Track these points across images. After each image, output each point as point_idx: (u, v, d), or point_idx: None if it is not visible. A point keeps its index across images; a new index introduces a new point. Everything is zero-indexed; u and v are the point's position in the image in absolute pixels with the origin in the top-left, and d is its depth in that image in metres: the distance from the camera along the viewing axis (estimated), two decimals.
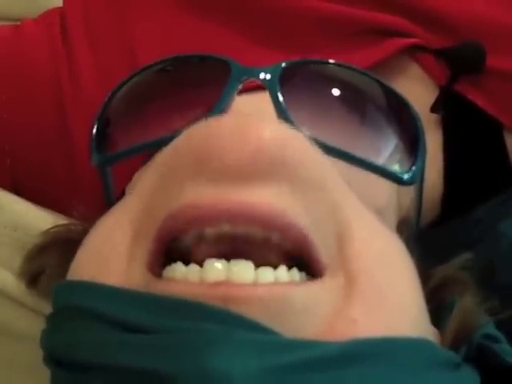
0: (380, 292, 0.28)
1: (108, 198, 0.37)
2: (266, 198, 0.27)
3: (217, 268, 0.27)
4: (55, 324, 0.30)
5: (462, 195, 0.44)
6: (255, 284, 0.27)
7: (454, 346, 0.31)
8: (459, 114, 0.43)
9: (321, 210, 0.28)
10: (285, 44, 0.43)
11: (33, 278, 0.39)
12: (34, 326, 0.40)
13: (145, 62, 0.40)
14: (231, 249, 0.27)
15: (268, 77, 0.33)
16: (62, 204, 0.44)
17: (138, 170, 0.38)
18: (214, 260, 0.27)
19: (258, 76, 0.33)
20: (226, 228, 0.27)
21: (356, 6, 0.42)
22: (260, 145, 0.27)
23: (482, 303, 0.34)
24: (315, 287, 0.27)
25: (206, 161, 0.27)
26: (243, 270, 0.27)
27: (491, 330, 0.33)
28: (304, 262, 0.28)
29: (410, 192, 0.37)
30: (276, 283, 0.27)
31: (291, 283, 0.27)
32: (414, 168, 0.33)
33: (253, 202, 0.27)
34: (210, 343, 0.24)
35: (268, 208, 0.27)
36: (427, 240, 0.41)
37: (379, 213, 0.33)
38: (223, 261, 0.27)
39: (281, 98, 0.32)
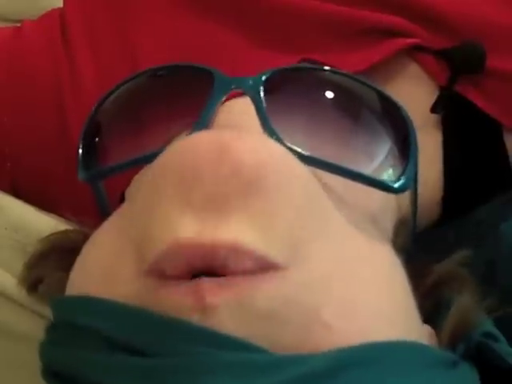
0: (350, 295, 0.28)
1: (102, 211, 0.36)
2: (233, 234, 0.27)
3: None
4: (54, 338, 0.30)
5: (462, 196, 0.43)
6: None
7: (453, 344, 0.31)
8: (459, 115, 0.43)
9: (285, 227, 0.28)
10: (284, 44, 0.43)
11: (32, 285, 0.39)
12: (34, 328, 0.40)
13: (146, 63, 0.40)
14: None
15: (251, 86, 0.33)
16: (62, 207, 0.44)
17: (136, 175, 0.38)
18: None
19: (242, 86, 0.33)
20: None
21: (356, 7, 0.42)
22: (236, 167, 0.27)
23: (481, 300, 0.34)
24: (281, 275, 0.27)
25: (187, 190, 0.27)
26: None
27: (491, 328, 0.33)
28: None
29: (409, 192, 0.37)
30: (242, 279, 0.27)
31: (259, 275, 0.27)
32: (404, 176, 0.33)
33: (217, 244, 0.26)
34: (200, 369, 0.25)
35: (230, 246, 0.27)
36: (428, 241, 0.41)
37: (373, 218, 0.33)
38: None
39: (265, 110, 0.32)
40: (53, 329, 0.31)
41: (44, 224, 0.42)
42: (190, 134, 0.31)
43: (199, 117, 0.32)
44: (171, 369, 0.25)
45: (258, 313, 0.26)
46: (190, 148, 0.28)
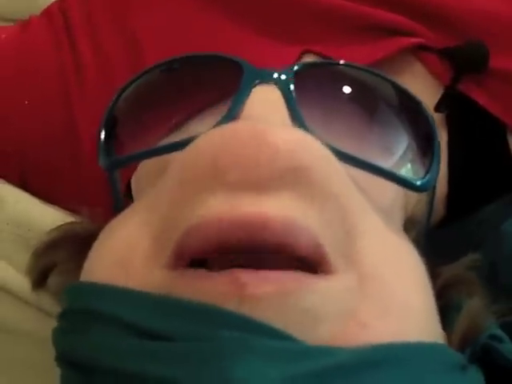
0: (390, 295, 0.28)
1: (116, 200, 0.36)
2: (281, 209, 0.27)
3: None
4: (70, 325, 0.30)
5: (466, 195, 0.43)
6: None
7: (462, 347, 0.31)
8: (463, 114, 0.43)
9: (332, 216, 0.28)
10: (286, 35, 0.43)
11: (42, 274, 0.38)
12: (36, 324, 0.39)
13: (149, 53, 0.40)
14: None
15: (282, 79, 0.33)
16: (70, 201, 0.43)
17: (144, 169, 0.38)
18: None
19: (272, 79, 0.33)
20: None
21: (360, 3, 0.42)
22: (275, 154, 0.27)
23: (490, 305, 0.34)
24: (326, 283, 0.27)
25: (222, 172, 0.27)
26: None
27: (495, 330, 0.33)
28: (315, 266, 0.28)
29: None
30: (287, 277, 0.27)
31: (303, 276, 0.27)
32: (428, 175, 0.33)
33: (267, 215, 0.26)
34: (230, 352, 0.24)
35: (281, 219, 0.27)
36: (431, 240, 0.40)
37: (385, 213, 0.33)
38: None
39: (295, 103, 0.32)
40: (68, 315, 0.30)
41: (47, 218, 0.41)
42: (220, 124, 0.30)
43: (230, 108, 0.32)
44: (202, 352, 0.24)
45: (297, 308, 0.26)
46: (225, 135, 0.28)
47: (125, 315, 0.26)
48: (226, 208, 0.27)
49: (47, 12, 0.47)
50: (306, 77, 0.34)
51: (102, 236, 0.32)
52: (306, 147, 0.28)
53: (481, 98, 0.42)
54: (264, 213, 0.27)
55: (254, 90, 0.32)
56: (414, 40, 0.42)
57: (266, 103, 0.32)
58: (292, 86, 0.33)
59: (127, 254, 0.29)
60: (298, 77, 0.33)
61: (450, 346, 0.31)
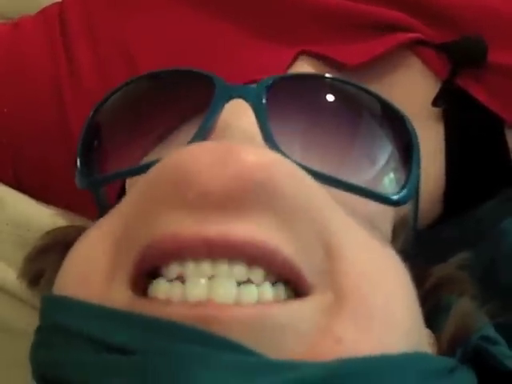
0: (369, 309, 0.27)
1: (100, 210, 0.36)
2: (248, 230, 0.26)
3: (198, 286, 0.26)
4: (41, 339, 0.29)
5: (464, 191, 0.43)
6: (238, 304, 0.26)
7: (452, 348, 0.31)
8: (461, 108, 0.43)
9: (306, 235, 0.27)
10: (283, 35, 0.43)
11: (33, 279, 0.38)
12: (35, 324, 0.39)
13: (139, 57, 0.40)
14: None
15: (254, 94, 0.32)
16: (64, 199, 0.44)
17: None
18: (195, 278, 0.26)
19: (243, 94, 0.32)
20: (206, 269, 0.26)
21: (356, 1, 0.42)
22: (242, 171, 0.26)
23: (482, 305, 0.34)
24: (299, 305, 0.27)
25: (184, 188, 0.26)
26: (226, 290, 0.26)
27: (490, 331, 0.32)
28: (291, 279, 0.28)
29: None
30: (259, 302, 0.26)
31: (275, 301, 0.27)
32: (405, 190, 0.32)
33: (233, 235, 0.26)
34: (194, 366, 0.24)
35: (250, 240, 0.26)
36: (428, 239, 0.40)
37: (370, 220, 0.32)
38: (205, 278, 0.26)
39: (267, 120, 0.31)
40: (40, 330, 0.30)
41: (46, 218, 0.42)
42: (191, 143, 0.30)
43: (200, 126, 0.31)
44: (161, 366, 0.24)
45: (266, 327, 0.25)
46: (193, 154, 0.27)
47: (88, 329, 0.26)
48: (187, 225, 0.26)
49: (42, 13, 0.48)
50: (280, 91, 0.33)
51: (73, 247, 0.31)
52: (274, 165, 0.27)
53: (479, 93, 0.42)
54: (229, 233, 0.26)
55: (226, 105, 0.32)
56: (411, 35, 0.42)
57: (237, 120, 0.31)
58: (264, 101, 0.32)
59: (86, 268, 0.29)
60: (271, 92, 0.32)
61: (439, 346, 0.31)
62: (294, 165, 0.29)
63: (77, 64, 0.44)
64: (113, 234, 0.29)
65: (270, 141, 0.31)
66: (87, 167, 0.35)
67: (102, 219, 0.31)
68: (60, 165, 0.44)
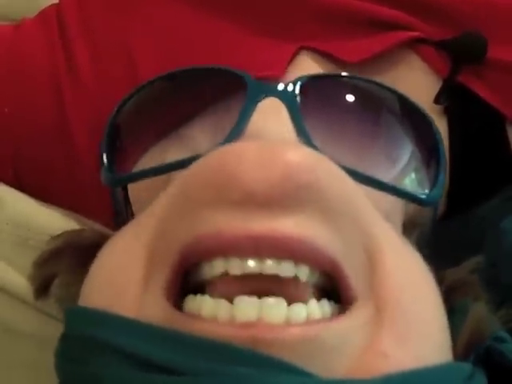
0: (408, 321, 0.27)
1: (117, 214, 0.36)
2: (294, 226, 0.26)
3: (248, 306, 0.26)
4: (70, 351, 0.28)
5: (467, 188, 0.43)
6: (287, 323, 0.26)
7: (467, 352, 0.31)
8: (462, 105, 0.42)
9: (351, 237, 0.28)
10: (283, 32, 0.42)
11: (44, 284, 0.37)
12: (35, 324, 0.40)
13: (138, 57, 0.39)
14: (258, 284, 0.26)
15: (287, 93, 0.32)
16: (63, 198, 0.43)
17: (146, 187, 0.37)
18: (244, 297, 0.26)
19: (276, 94, 0.32)
20: (252, 264, 0.26)
21: None
22: (288, 171, 0.26)
23: (494, 310, 0.34)
24: (346, 323, 0.26)
25: (228, 188, 0.26)
26: (275, 309, 0.26)
27: (500, 332, 0.32)
28: (334, 290, 0.28)
29: None
30: (308, 322, 0.26)
31: (323, 320, 0.26)
32: (435, 188, 0.32)
33: (280, 230, 0.26)
34: None
35: (296, 236, 0.26)
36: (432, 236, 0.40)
37: (387, 217, 0.32)
38: (254, 298, 0.26)
39: (301, 118, 0.31)
40: (68, 340, 0.29)
41: (46, 219, 0.41)
42: (227, 141, 0.30)
43: (235, 125, 0.31)
44: None
45: (317, 349, 0.25)
46: (236, 154, 0.27)
47: (125, 345, 0.25)
48: (233, 222, 0.26)
49: (42, 14, 0.47)
50: (311, 90, 0.33)
51: (99, 254, 0.31)
52: (319, 165, 0.28)
53: (480, 90, 0.42)
54: (276, 228, 0.26)
55: (259, 104, 0.32)
56: (411, 33, 0.42)
57: (271, 118, 0.31)
58: (298, 100, 0.32)
59: (120, 278, 0.28)
60: (302, 90, 0.32)
61: (454, 350, 0.31)
62: (335, 165, 0.29)
63: (76, 64, 0.44)
64: (147, 238, 0.28)
65: (307, 140, 0.31)
66: (113, 164, 0.35)
67: (130, 224, 0.31)
68: (60, 164, 0.44)
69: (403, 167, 0.33)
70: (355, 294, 0.27)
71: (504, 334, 0.32)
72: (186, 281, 0.28)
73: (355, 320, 0.27)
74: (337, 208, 0.27)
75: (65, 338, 0.29)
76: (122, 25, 0.44)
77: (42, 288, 0.37)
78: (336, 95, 0.34)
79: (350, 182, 0.29)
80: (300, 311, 0.26)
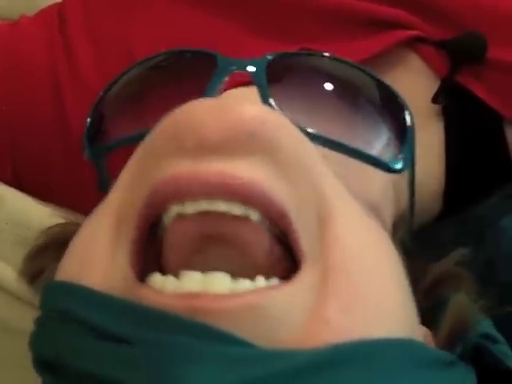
0: (356, 289, 0.27)
1: (102, 189, 0.36)
2: (244, 170, 0.27)
3: (193, 279, 0.26)
4: (41, 326, 0.29)
5: (464, 188, 0.43)
6: (232, 294, 0.26)
7: (450, 344, 0.30)
8: (461, 105, 0.43)
9: (303, 192, 0.28)
10: (283, 33, 0.43)
11: (33, 278, 0.38)
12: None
13: (139, 54, 0.40)
14: (206, 262, 0.27)
15: (254, 69, 0.33)
16: (63, 196, 0.44)
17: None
18: (190, 272, 0.26)
19: (245, 68, 0.33)
20: (204, 205, 0.26)
21: None
22: (240, 119, 0.27)
23: (479, 298, 0.34)
24: (291, 288, 0.26)
25: (182, 137, 0.27)
26: (220, 281, 0.26)
27: (489, 329, 0.32)
28: (284, 253, 0.28)
29: (407, 186, 0.36)
30: (251, 291, 0.26)
31: (266, 289, 0.26)
32: (400, 156, 0.32)
33: (231, 174, 0.26)
34: (185, 359, 0.24)
35: (248, 179, 0.26)
36: (428, 237, 0.40)
37: (373, 208, 0.32)
38: (199, 272, 0.26)
39: (267, 90, 0.32)
40: (40, 317, 0.30)
41: (45, 218, 0.41)
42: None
43: (203, 93, 0.32)
44: (157, 357, 0.24)
45: (258, 317, 0.25)
46: (193, 107, 0.28)
47: (89, 316, 0.26)
48: (186, 167, 0.26)
49: (42, 12, 0.48)
50: (281, 67, 0.34)
51: (76, 233, 0.32)
52: (270, 117, 0.28)
53: (479, 90, 0.42)
54: (228, 172, 0.26)
55: (227, 78, 0.33)
56: (410, 33, 0.42)
57: (239, 91, 0.32)
58: (264, 74, 0.33)
59: (87, 249, 0.29)
60: (271, 67, 0.33)
61: (437, 342, 0.31)
62: (290, 122, 0.29)
63: (76, 61, 0.44)
64: (115, 205, 0.29)
65: (267, 103, 0.31)
66: (93, 140, 0.36)
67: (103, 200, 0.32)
68: (59, 161, 0.44)
69: (369, 137, 0.33)
70: (303, 254, 0.27)
71: (492, 332, 0.32)
72: (150, 259, 0.28)
73: (299, 286, 0.26)
74: (290, 161, 0.28)
75: (39, 316, 0.30)
76: (123, 23, 0.45)
77: (31, 282, 0.38)
78: (307, 72, 0.35)
79: (306, 140, 0.29)
80: (244, 282, 0.26)
